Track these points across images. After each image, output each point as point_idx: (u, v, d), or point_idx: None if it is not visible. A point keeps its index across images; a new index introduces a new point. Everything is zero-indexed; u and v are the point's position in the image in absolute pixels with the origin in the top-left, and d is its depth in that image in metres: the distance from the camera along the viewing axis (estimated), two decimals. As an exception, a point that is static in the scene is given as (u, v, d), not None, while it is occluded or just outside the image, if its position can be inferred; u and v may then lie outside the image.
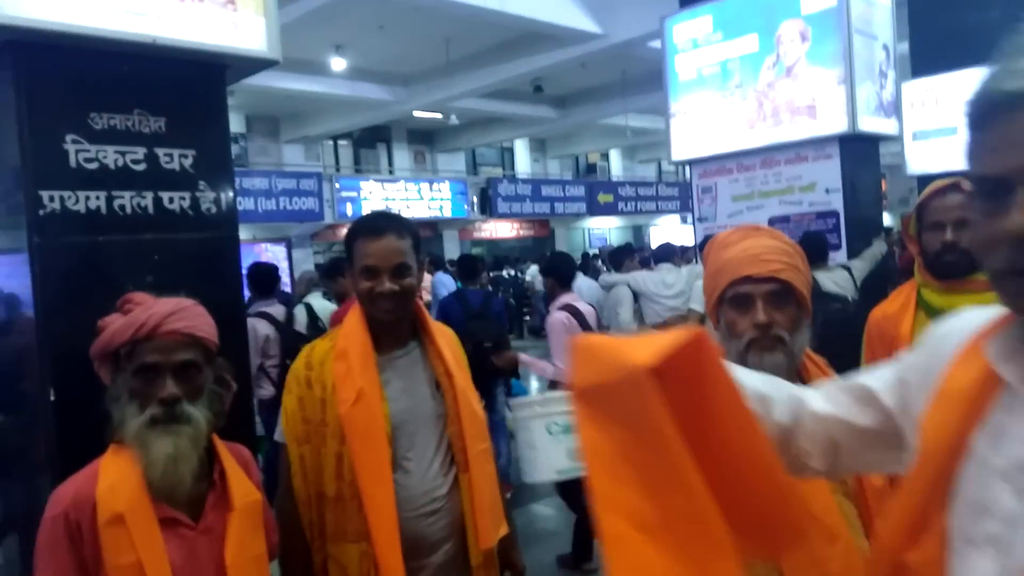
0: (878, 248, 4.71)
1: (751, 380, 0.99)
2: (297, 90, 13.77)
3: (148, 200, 2.35)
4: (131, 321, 1.49)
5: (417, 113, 16.29)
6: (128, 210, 2.31)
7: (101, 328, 1.54)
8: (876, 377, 0.99)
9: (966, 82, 7.38)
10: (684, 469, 0.81)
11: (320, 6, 9.17)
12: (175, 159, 2.39)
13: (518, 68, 12.98)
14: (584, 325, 4.25)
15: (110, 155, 2.28)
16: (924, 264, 2.09)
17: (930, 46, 7.87)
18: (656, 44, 6.02)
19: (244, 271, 4.68)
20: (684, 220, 22.01)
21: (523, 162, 22.69)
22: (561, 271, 4.56)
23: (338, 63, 13.01)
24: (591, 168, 25.50)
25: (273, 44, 2.47)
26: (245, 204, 13.78)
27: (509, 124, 19.05)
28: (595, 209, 20.60)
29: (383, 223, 1.83)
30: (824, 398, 1.01)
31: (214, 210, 2.43)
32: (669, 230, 23.47)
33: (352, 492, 1.66)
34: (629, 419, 0.84)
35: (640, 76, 14.26)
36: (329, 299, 5.70)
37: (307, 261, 15.65)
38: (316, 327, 5.44)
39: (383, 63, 13.97)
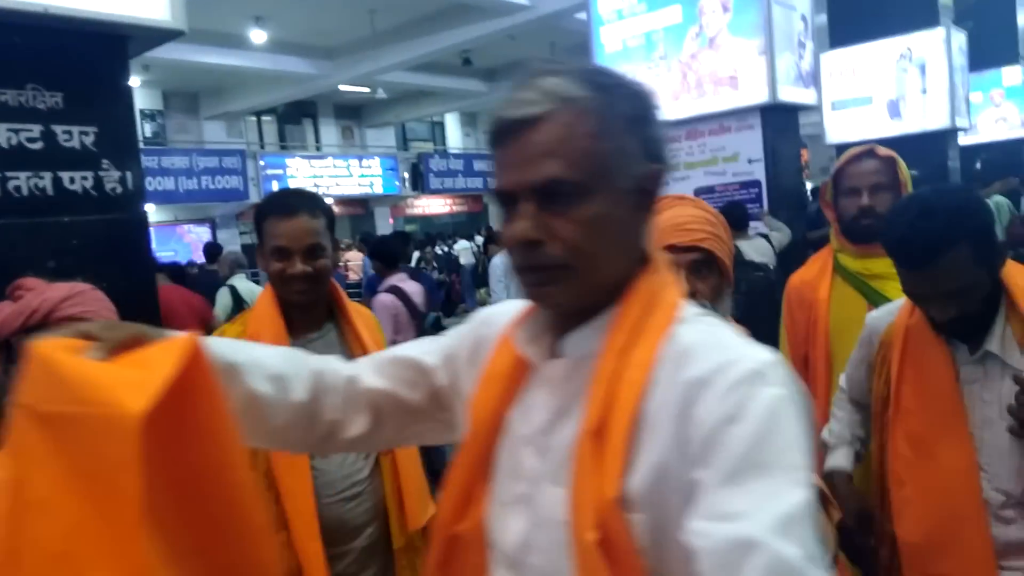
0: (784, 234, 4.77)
1: (269, 360, 0.98)
2: (216, 64, 13.28)
3: (47, 181, 2.21)
4: (22, 308, 1.40)
5: (343, 87, 15.92)
6: (25, 191, 2.18)
7: None
8: (430, 352, 1.05)
9: (882, 52, 7.64)
10: (133, 539, 0.71)
11: (236, -24, 8.83)
12: (75, 137, 2.26)
13: (446, 40, 12.79)
14: (411, 307, 4.22)
15: (2, 133, 2.13)
16: (840, 229, 2.14)
17: (847, 17, 8.08)
18: (582, 15, 6.00)
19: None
20: (615, 192, 22.26)
21: (454, 137, 22.48)
22: (386, 253, 4.58)
23: (258, 35, 12.58)
24: (523, 142, 25.47)
25: (178, 13, 2.35)
26: (165, 184, 13.30)
27: (439, 98, 18.81)
28: (527, 183, 20.60)
29: (294, 201, 1.74)
30: (375, 371, 1.04)
31: (119, 190, 2.31)
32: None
33: (268, 482, 1.60)
34: (86, 467, 0.73)
35: (569, 48, 14.23)
36: (256, 281, 5.55)
37: (233, 241, 15.22)
38: (241, 309, 5.29)
39: (306, 35, 13.57)
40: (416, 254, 12.86)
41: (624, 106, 0.83)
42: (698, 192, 5.18)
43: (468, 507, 0.91)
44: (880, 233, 1.45)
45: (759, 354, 0.76)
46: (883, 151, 2.10)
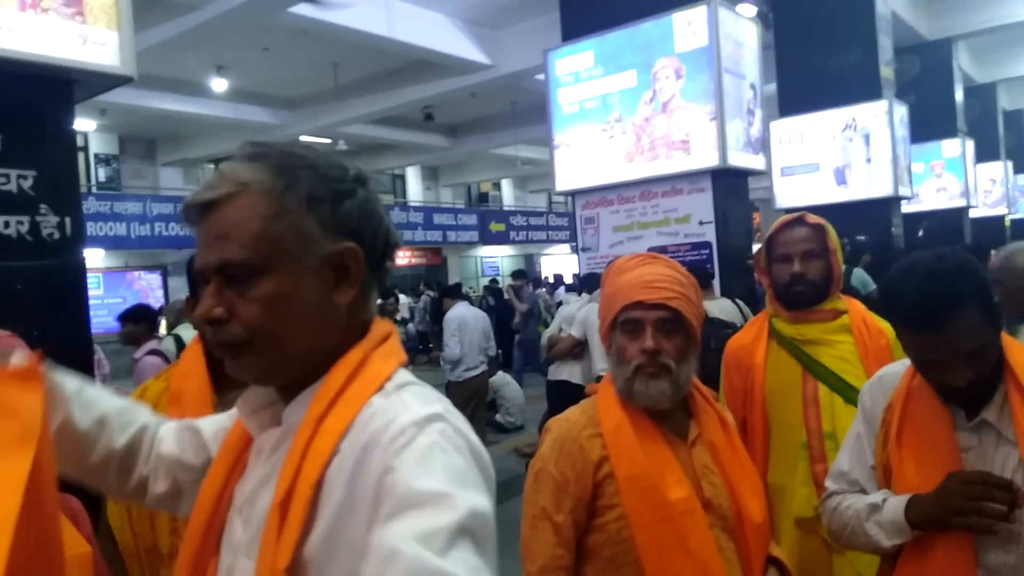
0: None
1: (102, 403, 1.02)
2: (174, 111, 13.20)
3: (-20, 224, 2.15)
4: None
5: (304, 138, 15.94)
6: (-44, 235, 2.11)
7: None
8: (213, 423, 1.06)
9: (829, 122, 7.93)
10: None
11: (199, 25, 8.82)
12: (12, 180, 2.20)
13: (408, 95, 12.94)
14: None
15: (-66, 174, 2.08)
16: (775, 295, 2.17)
17: (795, 87, 8.42)
18: (542, 76, 6.13)
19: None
20: (573, 250, 22.53)
21: (415, 190, 22.59)
22: (140, 319, 5.04)
23: (219, 84, 12.57)
24: (483, 197, 25.69)
25: (127, 60, 2.33)
26: (117, 229, 13.04)
27: (400, 151, 18.94)
28: (487, 238, 20.71)
29: None
30: (173, 436, 1.06)
31: (57, 235, 2.25)
32: (559, 260, 23.90)
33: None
34: None
35: (529, 107, 14.52)
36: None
37: (183, 290, 14.92)
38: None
39: (267, 86, 13.61)
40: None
41: (306, 187, 0.85)
42: (650, 251, 5.25)
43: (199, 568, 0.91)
44: (884, 304, 1.41)
45: (422, 410, 0.79)
46: (813, 219, 2.15)
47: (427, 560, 0.68)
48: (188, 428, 1.06)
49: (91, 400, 1.00)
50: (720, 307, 4.40)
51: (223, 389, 1.66)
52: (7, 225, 2.19)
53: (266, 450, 0.89)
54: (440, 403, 0.83)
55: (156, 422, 1.07)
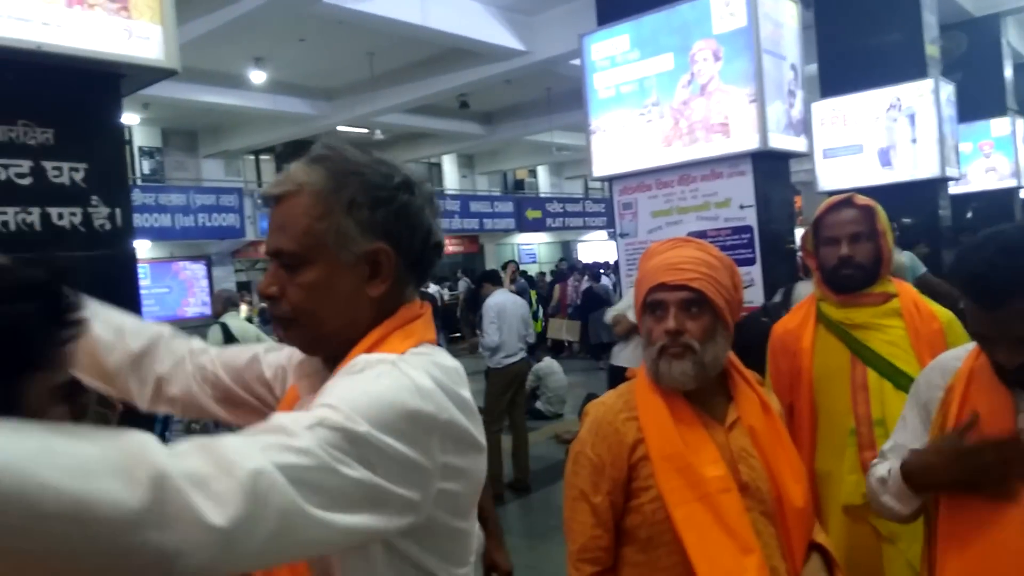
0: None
1: (118, 316, 1.19)
2: (215, 103, 13.40)
3: (35, 216, 2.22)
4: None
5: (341, 128, 16.07)
6: (12, 226, 2.18)
7: None
8: (273, 355, 1.21)
9: (872, 102, 7.75)
10: None
11: (238, 17, 8.93)
12: (64, 173, 2.26)
13: (443, 84, 12.96)
14: None
15: (-9, 168, 2.14)
16: (822, 278, 2.13)
17: (837, 67, 8.23)
18: (577, 62, 6.09)
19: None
20: (610, 236, 22.38)
21: (451, 178, 22.66)
22: None
23: (258, 76, 12.72)
24: (519, 184, 25.66)
25: (171, 53, 2.38)
26: (162, 221, 13.33)
27: (436, 140, 19.00)
28: (524, 225, 20.70)
29: None
30: (221, 356, 1.22)
31: (108, 226, 2.31)
32: (596, 246, 23.80)
33: None
34: None
35: (564, 93, 14.43)
36: (249, 320, 5.52)
37: (228, 279, 15.21)
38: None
39: (305, 77, 13.74)
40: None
41: (349, 192, 0.98)
42: (689, 236, 5.20)
43: None
44: (953, 267, 1.35)
45: (390, 358, 0.92)
46: (861, 200, 2.10)
47: (278, 422, 0.78)
48: (250, 360, 1.20)
49: (109, 315, 1.18)
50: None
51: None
52: (60, 217, 2.25)
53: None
54: (427, 361, 0.93)
55: (187, 339, 1.23)
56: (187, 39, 9.79)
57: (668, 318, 1.47)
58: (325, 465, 0.75)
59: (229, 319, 5.52)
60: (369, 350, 0.95)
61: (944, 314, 2.06)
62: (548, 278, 17.07)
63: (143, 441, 0.62)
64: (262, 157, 19.09)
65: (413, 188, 1.03)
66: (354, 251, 0.99)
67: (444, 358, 0.98)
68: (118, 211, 2.33)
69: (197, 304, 13.50)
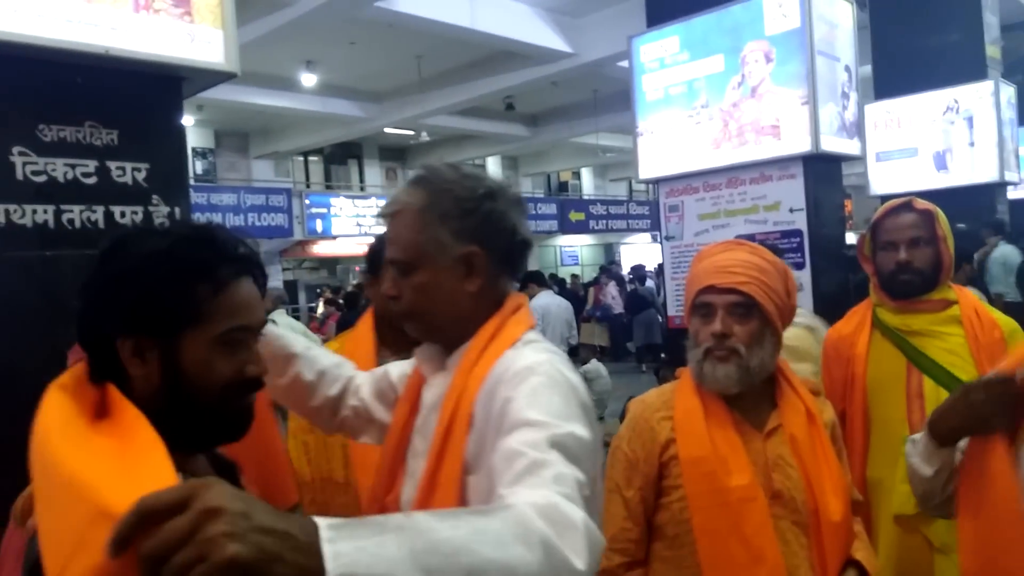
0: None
1: (320, 359, 1.45)
2: (267, 105, 13.67)
3: (99, 214, 2.29)
4: None
5: (388, 130, 16.25)
6: (77, 224, 2.26)
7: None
8: (396, 368, 1.45)
9: (928, 104, 7.56)
10: None
11: (290, 21, 9.11)
12: (127, 172, 2.34)
13: (489, 86, 13.03)
14: None
15: (59, 168, 2.22)
16: (879, 284, 2.09)
17: (892, 69, 8.04)
18: (625, 64, 6.06)
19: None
20: (654, 239, 22.20)
21: (495, 179, 22.73)
22: None
23: (308, 79, 12.95)
24: (563, 186, 25.62)
25: (231, 57, 2.44)
26: (213, 219, 13.57)
27: (481, 141, 19.09)
28: (567, 227, 20.66)
29: None
30: (370, 382, 1.46)
31: (167, 224, 2.38)
32: (639, 248, 23.63)
33: (355, 478, 1.83)
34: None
35: (611, 95, 14.38)
36: (296, 317, 5.62)
37: (276, 277, 15.48)
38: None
39: (354, 79, 13.93)
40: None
41: (441, 206, 1.18)
42: (738, 239, 5.13)
43: (394, 481, 1.25)
44: None
45: (533, 357, 1.11)
46: (921, 204, 2.05)
47: (533, 455, 0.94)
48: (383, 375, 1.45)
49: (313, 357, 1.44)
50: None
51: (387, 354, 1.98)
52: (123, 215, 2.32)
53: (434, 387, 1.24)
54: (549, 352, 1.14)
55: (357, 374, 1.48)
56: (241, 42, 9.99)
57: (715, 320, 1.47)
58: (579, 480, 0.92)
59: (277, 316, 5.64)
60: (492, 337, 1.17)
61: (1007, 323, 2.01)
62: (581, 282, 16.94)
63: (525, 513, 0.81)
64: (311, 158, 19.40)
65: (496, 195, 1.21)
66: (450, 255, 1.18)
67: (549, 346, 1.19)
68: (177, 209, 2.40)
69: (246, 302, 13.76)
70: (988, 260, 7.39)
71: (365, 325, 2.05)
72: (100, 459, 0.78)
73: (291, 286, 15.70)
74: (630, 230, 22.97)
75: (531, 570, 0.76)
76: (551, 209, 20.39)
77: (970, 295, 2.10)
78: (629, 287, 13.37)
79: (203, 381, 0.96)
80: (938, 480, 1.43)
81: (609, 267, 17.75)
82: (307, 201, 15.54)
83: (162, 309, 0.93)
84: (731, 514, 1.40)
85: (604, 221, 21.64)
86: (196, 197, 13.31)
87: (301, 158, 19.14)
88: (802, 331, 2.84)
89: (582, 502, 0.88)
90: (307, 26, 9.41)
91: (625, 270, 17.33)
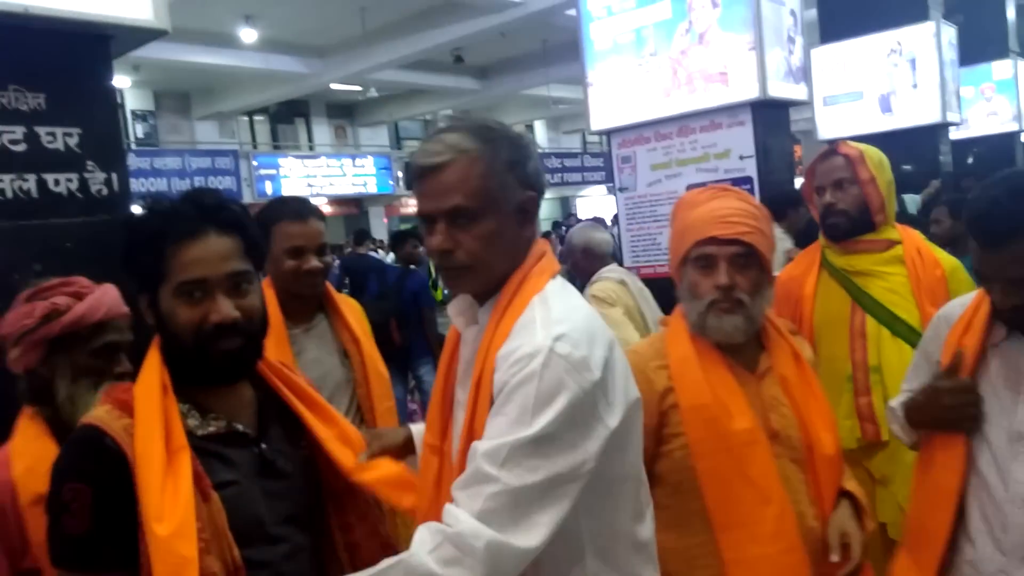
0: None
1: None
2: (206, 63, 13.24)
3: (31, 183, 2.20)
4: (98, 304, 1.57)
5: (335, 86, 15.88)
6: (9, 194, 2.17)
7: (53, 310, 1.55)
8: None
9: (872, 47, 7.63)
10: None
11: (226, -25, 8.80)
12: (59, 138, 2.24)
13: (437, 38, 12.77)
14: None
15: (-16, 135, 2.12)
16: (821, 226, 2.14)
17: (837, 12, 8.08)
18: (573, 12, 5.98)
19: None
20: (609, 191, 22.25)
21: (447, 135, 22.43)
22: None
23: (248, 35, 12.54)
24: (516, 139, 25.40)
25: (161, 13, 2.33)
26: (158, 185, 13.26)
27: (431, 96, 18.78)
28: (521, 181, 20.55)
29: (305, 207, 2.04)
30: None
31: (105, 192, 2.29)
32: (595, 201, 23.68)
33: None
34: None
35: (560, 45, 14.22)
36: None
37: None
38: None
39: (296, 34, 13.53)
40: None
41: (504, 153, 1.19)
42: (690, 188, 5.17)
43: (445, 433, 1.27)
44: (965, 204, 1.37)
45: (538, 340, 1.10)
46: (845, 147, 2.10)
47: (484, 467, 1.06)
48: None
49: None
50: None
51: (293, 324, 2.00)
52: (57, 183, 2.24)
53: (469, 341, 1.26)
54: (563, 324, 1.12)
55: None
56: (175, -2, 9.62)
57: (719, 273, 1.46)
58: (522, 488, 1.05)
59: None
60: (518, 288, 1.18)
61: (948, 261, 2.06)
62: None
63: (415, 562, 1.03)
64: (256, 118, 18.89)
65: (532, 144, 1.27)
66: (514, 201, 1.20)
67: (571, 290, 1.24)
68: (114, 175, 2.31)
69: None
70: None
71: (266, 298, 1.99)
72: None
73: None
74: (585, 183, 22.99)
75: None
76: (505, 163, 20.23)
77: (915, 234, 2.15)
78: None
79: (176, 328, 1.15)
80: (914, 446, 1.59)
81: (560, 225, 17.63)
82: (255, 162, 15.20)
83: (139, 269, 1.16)
84: (736, 458, 1.42)
85: (559, 174, 21.60)
86: (138, 162, 12.91)
87: (246, 118, 18.62)
88: (613, 284, 3.33)
89: (513, 512, 1.04)
90: (244, -21, 9.08)
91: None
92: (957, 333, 1.47)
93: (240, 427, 1.21)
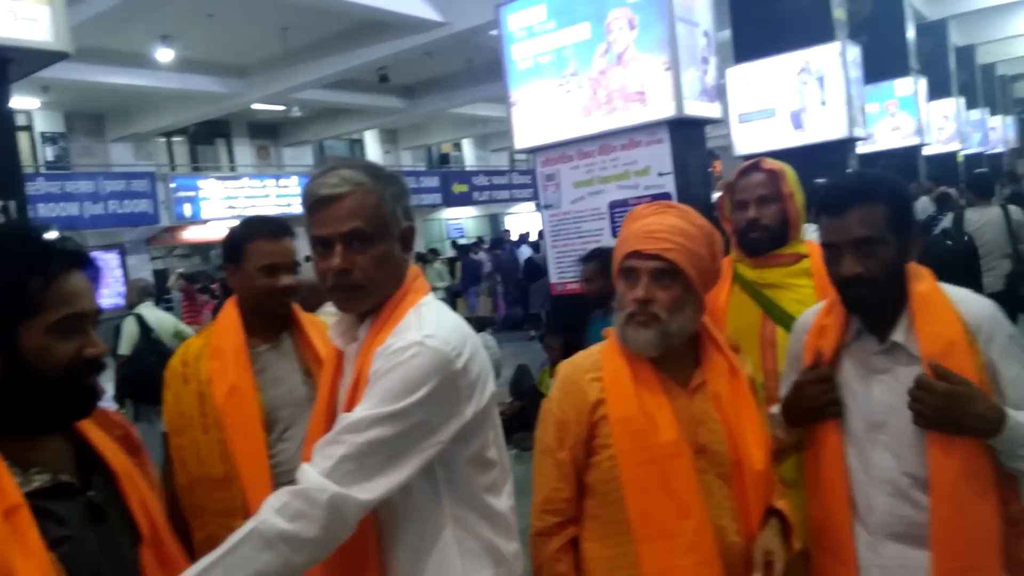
0: None
1: None
2: (120, 84, 12.80)
3: (-80, 213, 2.08)
4: None
5: (256, 106, 15.59)
6: None
7: None
8: None
9: (783, 66, 7.93)
10: None
11: (139, -7, 8.54)
12: (-51, 166, 2.13)
13: (361, 57, 12.68)
14: None
15: None
16: (736, 241, 2.20)
17: (750, 33, 8.39)
18: (496, 32, 6.04)
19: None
20: (538, 207, 22.47)
21: (374, 154, 22.25)
22: None
23: (165, 54, 12.20)
24: (444, 158, 25.43)
25: (61, 34, 2.25)
26: (69, 209, 12.73)
27: (357, 115, 18.62)
28: (451, 200, 20.56)
29: (278, 226, 2.07)
30: None
31: (2, 220, 2.19)
32: (524, 218, 23.84)
33: (236, 473, 1.86)
34: None
35: (485, 64, 14.30)
36: (170, 308, 5.33)
37: (143, 267, 14.67)
38: (149, 339, 5.08)
39: (215, 54, 13.23)
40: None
41: (391, 188, 1.41)
42: (613, 205, 5.26)
43: None
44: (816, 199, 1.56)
45: (411, 336, 1.30)
46: (768, 164, 2.16)
47: (342, 436, 1.25)
48: None
49: None
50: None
51: (258, 341, 2.00)
52: (-52, 212, 2.12)
53: (351, 357, 1.41)
54: (434, 327, 1.33)
55: None
56: (86, 17, 9.29)
57: (639, 286, 1.49)
58: (367, 455, 1.24)
59: (144, 310, 5.33)
60: (398, 304, 1.38)
61: None
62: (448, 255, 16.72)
63: (264, 527, 1.17)
64: (174, 139, 18.36)
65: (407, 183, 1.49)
66: (398, 229, 1.42)
67: (441, 305, 1.44)
68: (12, 203, 2.21)
69: (111, 295, 12.94)
70: None
71: (229, 317, 2.02)
72: None
73: (162, 275, 14.86)
74: (514, 200, 23.13)
75: (278, 562, 1.15)
76: (434, 182, 20.22)
77: (820, 249, 2.23)
78: (522, 255, 13.43)
79: (44, 365, 1.08)
80: (797, 446, 1.70)
81: (502, 242, 17.54)
82: (173, 184, 14.74)
83: None
84: (659, 470, 1.44)
85: (488, 192, 21.68)
86: (48, 186, 12.36)
87: (164, 139, 18.07)
88: None
89: (357, 472, 1.22)
90: (158, -2, 8.84)
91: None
92: (813, 336, 1.64)
93: (65, 478, 1.12)
